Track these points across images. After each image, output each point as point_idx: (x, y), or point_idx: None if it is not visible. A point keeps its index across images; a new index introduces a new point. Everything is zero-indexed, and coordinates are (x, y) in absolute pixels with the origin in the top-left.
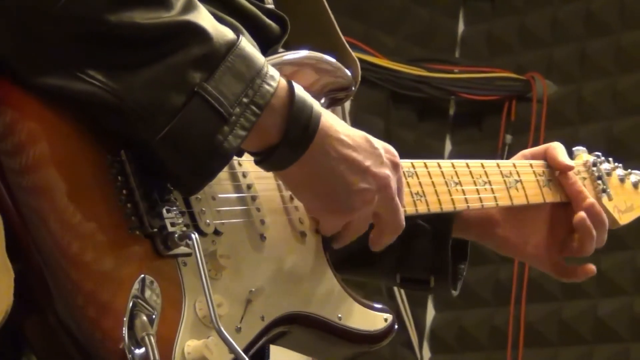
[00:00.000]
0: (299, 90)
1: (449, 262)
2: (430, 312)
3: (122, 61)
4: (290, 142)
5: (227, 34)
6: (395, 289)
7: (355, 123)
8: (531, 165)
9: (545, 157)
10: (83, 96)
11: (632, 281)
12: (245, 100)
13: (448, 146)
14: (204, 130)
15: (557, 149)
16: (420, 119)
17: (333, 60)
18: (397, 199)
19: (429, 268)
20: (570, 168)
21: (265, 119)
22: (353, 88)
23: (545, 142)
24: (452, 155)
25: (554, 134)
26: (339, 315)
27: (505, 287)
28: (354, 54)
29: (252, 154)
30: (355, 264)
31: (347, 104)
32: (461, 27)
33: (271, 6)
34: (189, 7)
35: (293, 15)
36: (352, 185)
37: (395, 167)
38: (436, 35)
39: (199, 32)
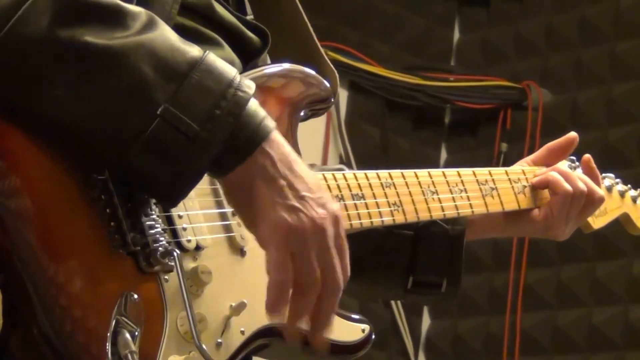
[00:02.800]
0: (253, 102)
1: (462, 264)
2: (426, 320)
3: (79, 85)
4: (232, 148)
5: (190, 51)
6: None
7: (351, 132)
8: (506, 173)
9: (549, 150)
10: (43, 121)
11: (627, 289)
12: (217, 112)
13: (443, 154)
14: (170, 151)
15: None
16: (415, 127)
17: (313, 72)
18: (333, 251)
19: (442, 270)
20: (574, 137)
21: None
22: (332, 100)
23: None
24: (448, 164)
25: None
26: None
27: (500, 294)
28: (331, 65)
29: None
30: (364, 266)
31: (343, 112)
32: (456, 35)
33: (251, 17)
34: (147, 27)
35: (272, 26)
36: (287, 201)
37: (335, 221)
38: (431, 44)
39: (154, 54)
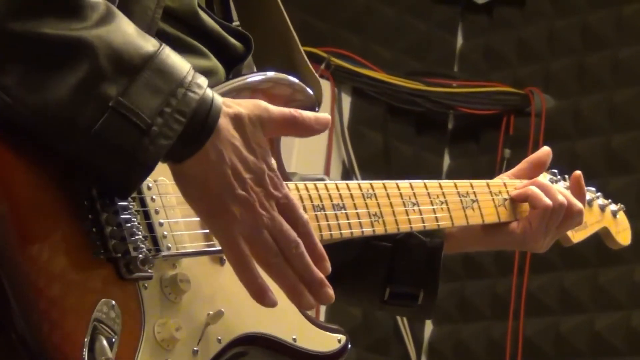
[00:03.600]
0: (208, 92)
1: (439, 277)
2: (428, 326)
3: (31, 72)
4: (186, 135)
5: (145, 46)
6: None
7: (353, 137)
8: (488, 185)
9: (530, 162)
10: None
11: (629, 295)
12: (167, 110)
13: (446, 160)
14: (121, 143)
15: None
16: (418, 133)
17: (297, 81)
18: (277, 216)
19: (419, 282)
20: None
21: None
22: (317, 109)
23: None
24: (451, 169)
25: (552, 148)
26: (294, 337)
27: (503, 300)
28: (316, 75)
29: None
30: (342, 277)
31: (345, 118)
32: (459, 41)
33: (236, 23)
34: (104, 20)
35: (257, 34)
36: (234, 190)
37: (275, 188)
38: (434, 49)
39: (110, 46)
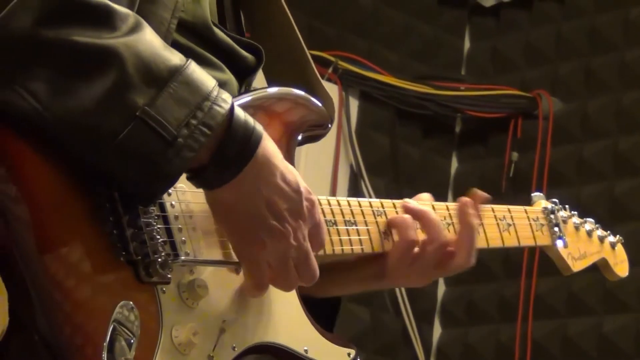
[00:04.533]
0: (240, 111)
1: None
2: (437, 329)
3: (60, 79)
4: (222, 162)
5: (172, 59)
6: (402, 305)
7: (361, 141)
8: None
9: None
10: (20, 114)
11: (638, 298)
12: (193, 122)
13: (454, 163)
14: (146, 152)
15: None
16: (426, 136)
17: (311, 97)
18: (307, 245)
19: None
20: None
21: (209, 141)
22: (329, 125)
23: (551, 159)
24: (458, 173)
25: (560, 150)
26: (305, 348)
27: (511, 303)
28: (327, 90)
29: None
30: None
31: (353, 121)
32: (467, 44)
33: (248, 37)
34: (133, 31)
35: (267, 48)
36: (267, 221)
37: (312, 217)
38: (441, 53)
39: (139, 57)
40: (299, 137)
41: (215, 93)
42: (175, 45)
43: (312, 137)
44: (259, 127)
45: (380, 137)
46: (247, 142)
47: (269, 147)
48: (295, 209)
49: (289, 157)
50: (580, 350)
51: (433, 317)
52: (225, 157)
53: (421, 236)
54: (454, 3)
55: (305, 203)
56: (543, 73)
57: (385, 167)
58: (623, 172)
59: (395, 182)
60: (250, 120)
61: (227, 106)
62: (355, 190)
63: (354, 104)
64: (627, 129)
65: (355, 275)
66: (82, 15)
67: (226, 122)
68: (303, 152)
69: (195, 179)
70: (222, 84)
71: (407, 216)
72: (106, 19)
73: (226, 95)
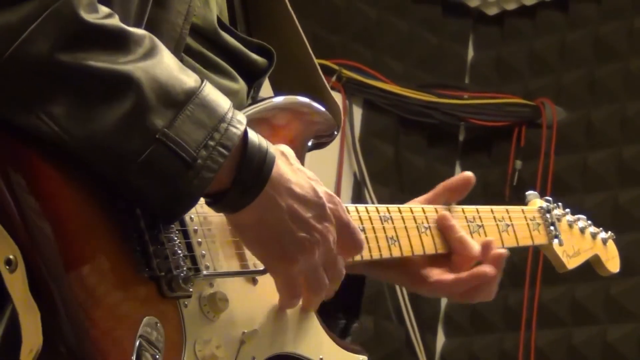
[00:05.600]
0: (252, 135)
1: (362, 303)
2: (440, 338)
3: (79, 103)
4: (241, 187)
5: (188, 81)
6: (405, 313)
7: (365, 149)
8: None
9: (447, 187)
10: (42, 138)
11: None
12: (211, 143)
13: (458, 172)
14: (167, 175)
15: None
16: (429, 145)
17: (318, 105)
18: (334, 249)
19: (345, 309)
20: (468, 177)
21: (227, 162)
22: (336, 133)
23: (554, 168)
24: None
25: (564, 159)
26: (321, 357)
27: (514, 312)
28: (334, 98)
29: (203, 195)
30: None
31: (357, 130)
32: (471, 53)
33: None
34: (149, 54)
35: (276, 57)
36: (293, 234)
37: (338, 218)
38: (445, 61)
39: (155, 80)
40: (309, 144)
41: (230, 114)
42: (187, 49)
43: (319, 144)
44: (272, 148)
45: (383, 146)
46: (262, 165)
47: (282, 164)
48: (320, 214)
49: (301, 147)
50: (584, 358)
51: (437, 326)
52: (243, 182)
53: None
54: (458, 12)
55: (328, 205)
56: (547, 82)
57: (389, 176)
58: (627, 181)
59: (399, 191)
60: (264, 142)
61: (242, 127)
62: (358, 199)
63: (357, 113)
64: (631, 138)
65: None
66: (98, 40)
67: (241, 146)
68: (306, 160)
69: (215, 205)
70: (233, 93)
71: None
72: (122, 43)
73: (241, 117)
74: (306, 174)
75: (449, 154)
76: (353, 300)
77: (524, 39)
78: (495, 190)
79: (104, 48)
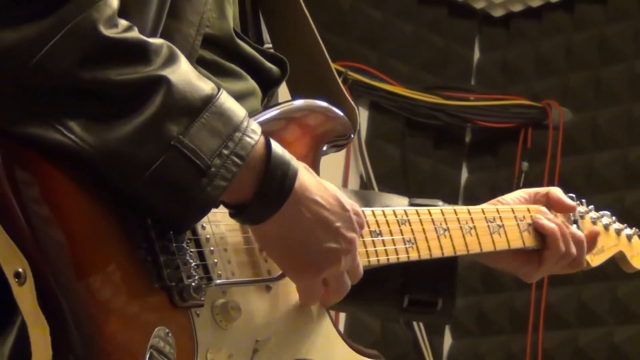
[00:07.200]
0: (277, 147)
1: (457, 283)
2: (448, 340)
3: (97, 115)
4: (264, 199)
5: (204, 88)
6: None
7: (371, 151)
8: (513, 210)
9: (548, 197)
10: (58, 147)
11: None
12: (225, 152)
13: (464, 174)
14: (180, 182)
15: (560, 192)
16: (436, 147)
17: (335, 109)
18: (358, 259)
19: (437, 289)
20: (575, 208)
21: (242, 173)
22: (352, 135)
23: (561, 169)
24: (469, 183)
25: (570, 161)
26: None
27: (521, 314)
28: (351, 101)
29: (226, 206)
30: (359, 286)
31: (363, 132)
32: (477, 54)
33: (268, 45)
34: (168, 62)
35: (289, 58)
36: (321, 244)
37: (361, 228)
38: (451, 63)
39: (172, 88)
40: (324, 148)
41: (245, 124)
42: (200, 60)
43: (335, 147)
44: (294, 160)
45: (390, 148)
46: (285, 177)
47: (305, 176)
48: (348, 224)
49: (315, 168)
50: None
51: (444, 328)
52: (265, 194)
53: None
54: (464, 13)
55: (353, 216)
56: (553, 83)
57: (395, 178)
58: (633, 182)
59: (405, 193)
60: (287, 154)
61: (256, 137)
62: None
63: (364, 115)
64: (637, 140)
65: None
66: (118, 54)
67: (264, 158)
68: None
69: (238, 216)
70: (246, 95)
71: (555, 228)
72: (141, 55)
73: (255, 126)
74: (329, 185)
75: (456, 155)
76: (449, 282)
77: (530, 40)
78: (502, 192)
79: (124, 61)
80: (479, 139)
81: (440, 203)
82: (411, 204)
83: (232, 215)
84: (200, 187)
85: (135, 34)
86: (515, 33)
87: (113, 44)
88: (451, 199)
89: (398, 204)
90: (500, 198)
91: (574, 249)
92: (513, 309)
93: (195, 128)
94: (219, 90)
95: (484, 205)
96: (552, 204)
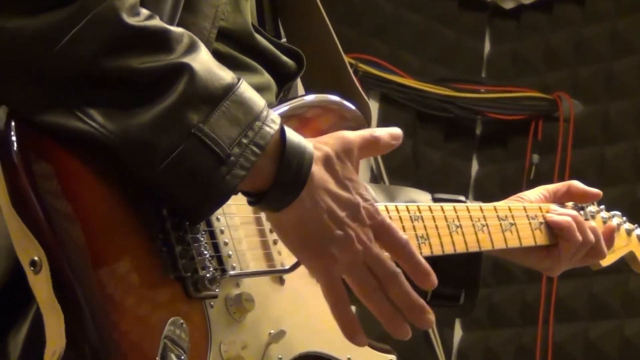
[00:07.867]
0: (292, 134)
1: (480, 276)
2: (458, 332)
3: (118, 103)
4: (282, 186)
5: (225, 77)
6: None
7: None
8: (525, 209)
9: (570, 192)
10: (79, 135)
11: None
12: (244, 141)
13: (475, 166)
14: (200, 170)
15: (580, 184)
16: (446, 139)
17: (348, 104)
18: (374, 247)
19: (460, 282)
20: (600, 194)
21: (261, 162)
22: None
23: (572, 162)
24: (479, 175)
25: (580, 153)
26: (349, 356)
27: (532, 307)
28: (365, 96)
29: (245, 194)
30: None
31: (374, 124)
32: (487, 47)
33: (284, 40)
34: (189, 50)
35: (304, 52)
36: (331, 232)
37: (371, 216)
38: (462, 56)
39: (194, 76)
40: None
41: (265, 113)
42: (216, 54)
43: None
44: (310, 148)
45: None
46: (301, 165)
47: (322, 163)
48: (354, 213)
49: None
50: (601, 353)
51: (454, 321)
52: (283, 181)
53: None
54: (474, 6)
55: (363, 204)
56: (563, 76)
57: (406, 170)
58: None
59: (415, 185)
60: (303, 141)
61: (275, 127)
62: None
63: (374, 107)
64: None
65: (514, 256)
66: (141, 43)
67: (280, 146)
68: None
69: (258, 204)
70: (262, 88)
71: (570, 220)
72: (163, 43)
73: (274, 116)
74: (347, 173)
75: (466, 148)
76: (472, 275)
77: (541, 32)
78: (513, 184)
79: (147, 49)
80: (490, 131)
81: (463, 198)
82: (434, 199)
83: (250, 203)
84: (220, 175)
85: (157, 22)
86: (525, 25)
87: (135, 32)
88: (461, 192)
89: (422, 200)
90: (521, 194)
91: (591, 236)
92: (524, 302)
93: (216, 116)
94: (239, 79)
95: (498, 203)
96: (575, 197)
